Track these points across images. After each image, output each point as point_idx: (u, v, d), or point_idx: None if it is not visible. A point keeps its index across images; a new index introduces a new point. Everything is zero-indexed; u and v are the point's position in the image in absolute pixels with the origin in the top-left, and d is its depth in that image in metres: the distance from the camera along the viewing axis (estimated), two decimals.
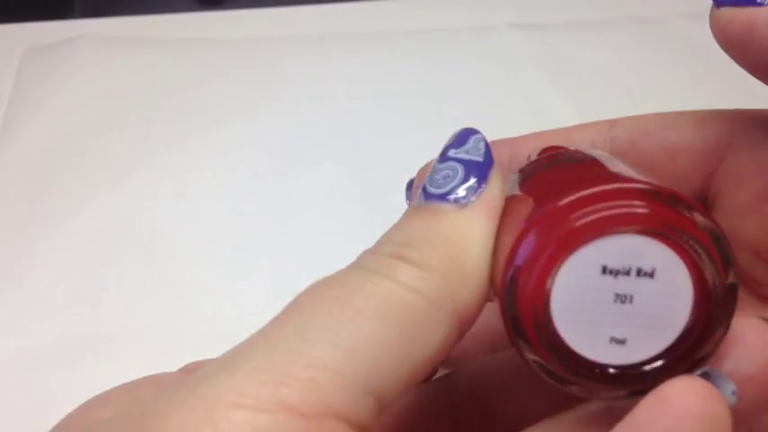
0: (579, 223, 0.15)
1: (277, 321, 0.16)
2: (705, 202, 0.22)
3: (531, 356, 0.16)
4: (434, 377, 0.24)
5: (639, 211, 0.15)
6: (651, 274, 0.15)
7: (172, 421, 0.14)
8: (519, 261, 0.16)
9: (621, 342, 0.16)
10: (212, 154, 0.44)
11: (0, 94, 0.47)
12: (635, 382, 0.16)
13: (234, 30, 0.53)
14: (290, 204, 0.41)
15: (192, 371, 0.21)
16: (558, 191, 0.16)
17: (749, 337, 0.16)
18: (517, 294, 0.16)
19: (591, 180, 0.16)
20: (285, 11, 0.54)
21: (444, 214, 0.18)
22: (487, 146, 0.19)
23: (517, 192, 0.19)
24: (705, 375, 0.16)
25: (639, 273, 0.15)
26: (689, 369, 0.16)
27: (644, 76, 0.49)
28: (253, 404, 0.14)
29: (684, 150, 0.22)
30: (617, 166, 0.18)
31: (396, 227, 0.19)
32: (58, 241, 0.39)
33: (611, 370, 0.16)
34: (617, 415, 0.16)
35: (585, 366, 0.16)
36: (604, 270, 0.15)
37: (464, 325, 0.18)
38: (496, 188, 0.18)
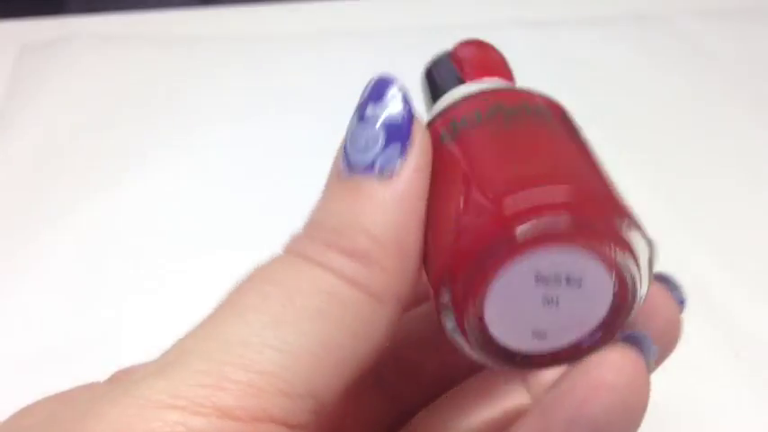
0: (519, 237, 0.15)
1: (214, 321, 0.16)
2: None
3: (459, 340, 0.17)
4: None
5: (574, 226, 0.16)
6: (579, 283, 0.16)
7: (104, 421, 0.14)
8: (454, 269, 0.16)
9: (542, 336, 0.17)
10: (209, 152, 0.44)
11: None
12: (548, 362, 0.18)
13: (231, 27, 0.52)
14: (285, 202, 0.41)
15: (119, 379, 0.20)
16: (493, 176, 0.17)
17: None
18: (452, 296, 0.16)
19: (527, 167, 0.16)
20: (284, 7, 0.54)
21: (372, 196, 0.17)
22: (406, 99, 0.18)
23: (451, 144, 0.18)
24: (628, 338, 0.17)
25: (569, 281, 0.16)
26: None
27: (648, 74, 0.49)
28: (187, 406, 0.14)
29: None
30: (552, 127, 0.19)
31: (325, 206, 0.18)
32: (54, 240, 0.39)
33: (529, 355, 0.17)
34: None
35: (506, 353, 0.17)
36: (537, 278, 0.16)
37: (404, 309, 0.18)
38: (421, 153, 0.18)
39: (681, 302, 0.20)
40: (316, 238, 0.17)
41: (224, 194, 0.42)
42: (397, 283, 0.17)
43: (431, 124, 0.20)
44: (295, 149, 0.44)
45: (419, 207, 0.17)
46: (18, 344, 0.35)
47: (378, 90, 0.18)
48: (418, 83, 0.47)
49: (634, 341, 0.17)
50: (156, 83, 0.48)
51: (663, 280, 0.20)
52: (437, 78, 0.22)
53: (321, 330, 0.15)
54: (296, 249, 0.17)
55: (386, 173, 0.17)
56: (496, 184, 0.16)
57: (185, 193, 0.42)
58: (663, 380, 0.33)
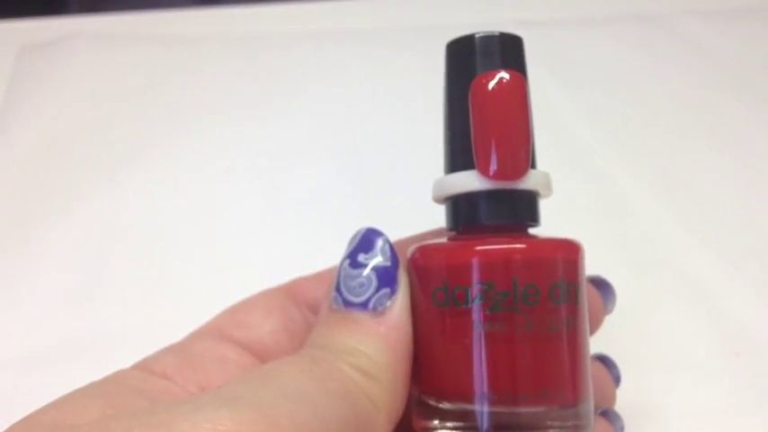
0: None
1: (270, 375, 0.19)
2: None
3: None
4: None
5: None
6: None
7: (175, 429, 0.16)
8: None
9: None
10: (209, 152, 0.44)
11: None
12: None
13: (231, 27, 0.52)
14: (285, 203, 0.41)
15: (146, 368, 0.22)
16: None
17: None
18: None
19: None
20: (284, 7, 0.54)
21: (370, 329, 0.21)
22: (392, 248, 0.22)
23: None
24: (604, 413, 0.24)
25: None
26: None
27: (648, 74, 0.49)
28: None
29: None
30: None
31: (328, 333, 0.21)
32: (54, 240, 0.39)
33: None
34: None
35: None
36: None
37: (393, 424, 0.21)
38: (406, 294, 0.22)
39: (617, 379, 0.26)
40: (329, 352, 0.20)
41: (224, 194, 0.42)
42: (390, 398, 0.20)
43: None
44: (295, 149, 0.44)
45: (407, 338, 0.21)
46: (18, 344, 0.35)
47: (367, 240, 0.22)
48: (417, 82, 0.47)
49: (607, 416, 0.24)
50: (156, 83, 0.48)
51: (603, 360, 0.26)
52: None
53: (344, 411, 0.18)
54: (311, 354, 0.20)
55: (378, 310, 0.21)
56: None
57: (185, 193, 0.42)
58: (663, 380, 0.33)
